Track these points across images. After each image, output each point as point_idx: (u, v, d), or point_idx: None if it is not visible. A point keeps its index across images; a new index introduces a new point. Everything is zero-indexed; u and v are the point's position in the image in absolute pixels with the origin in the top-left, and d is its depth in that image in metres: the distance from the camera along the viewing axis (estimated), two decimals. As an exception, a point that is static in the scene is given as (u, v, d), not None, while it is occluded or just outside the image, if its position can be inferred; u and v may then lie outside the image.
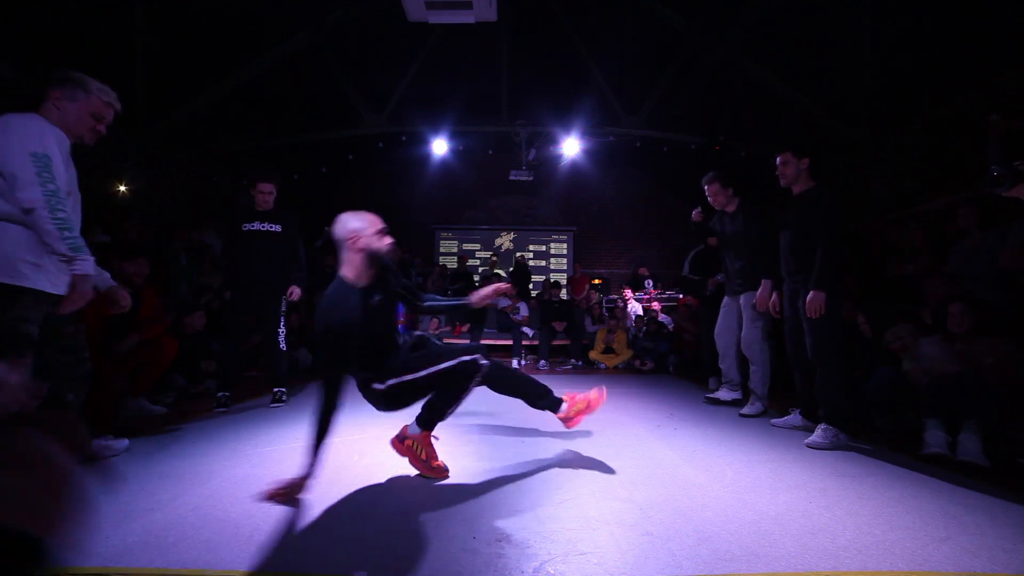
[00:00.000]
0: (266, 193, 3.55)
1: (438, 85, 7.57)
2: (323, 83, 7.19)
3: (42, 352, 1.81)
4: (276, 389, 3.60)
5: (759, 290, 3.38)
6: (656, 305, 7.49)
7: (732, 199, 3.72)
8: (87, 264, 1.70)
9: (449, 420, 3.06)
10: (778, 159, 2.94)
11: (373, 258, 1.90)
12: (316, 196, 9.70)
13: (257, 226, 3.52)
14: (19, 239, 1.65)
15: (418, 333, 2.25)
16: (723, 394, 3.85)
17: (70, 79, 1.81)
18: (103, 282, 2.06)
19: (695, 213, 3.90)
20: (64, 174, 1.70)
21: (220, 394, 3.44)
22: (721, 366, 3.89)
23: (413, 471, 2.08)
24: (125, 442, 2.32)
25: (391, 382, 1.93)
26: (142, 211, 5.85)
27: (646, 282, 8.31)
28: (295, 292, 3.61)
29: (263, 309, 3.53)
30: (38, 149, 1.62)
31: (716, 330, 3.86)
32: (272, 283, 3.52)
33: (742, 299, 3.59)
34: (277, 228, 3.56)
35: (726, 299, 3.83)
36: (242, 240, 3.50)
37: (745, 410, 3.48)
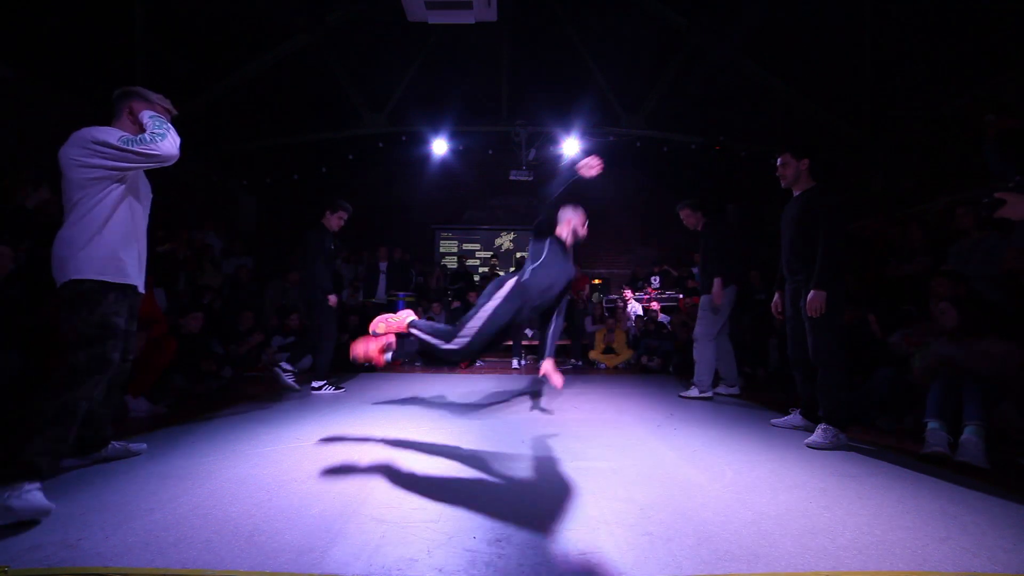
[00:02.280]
0: (344, 220, 4.40)
1: (438, 85, 7.57)
2: (323, 83, 7.18)
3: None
4: (320, 382, 4.36)
5: (713, 287, 4.04)
6: (655, 305, 7.50)
7: (700, 220, 4.38)
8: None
9: (451, 419, 3.09)
10: (778, 160, 2.95)
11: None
12: (316, 196, 9.71)
13: (332, 245, 4.37)
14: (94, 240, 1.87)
15: None
16: (721, 389, 4.37)
17: (136, 93, 2.08)
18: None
19: None
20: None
21: (316, 383, 4.29)
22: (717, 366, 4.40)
23: (413, 472, 2.10)
24: (143, 445, 2.36)
25: None
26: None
27: (652, 279, 8.32)
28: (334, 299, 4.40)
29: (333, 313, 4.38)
30: (113, 137, 1.87)
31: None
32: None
33: (702, 299, 4.21)
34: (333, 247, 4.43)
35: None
36: (333, 256, 4.34)
37: (689, 392, 4.13)
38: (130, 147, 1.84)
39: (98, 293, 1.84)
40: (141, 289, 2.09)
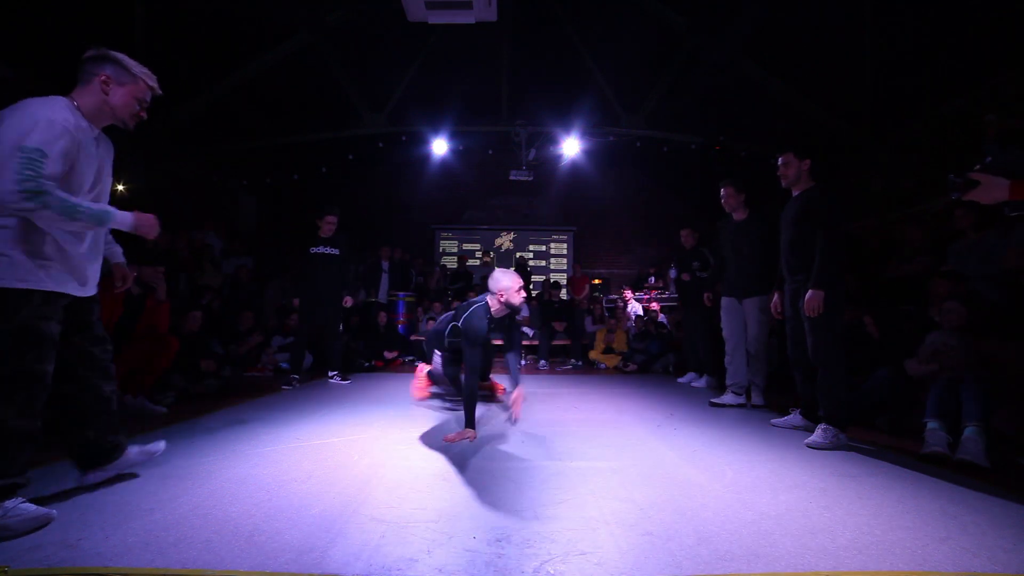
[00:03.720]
0: (332, 223, 4.51)
1: (438, 85, 7.57)
2: (323, 83, 7.18)
3: (75, 346, 1.79)
4: (331, 372, 4.71)
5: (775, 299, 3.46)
6: (656, 305, 7.50)
7: (742, 206, 3.91)
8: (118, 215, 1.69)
9: (451, 419, 3.09)
10: (779, 160, 2.94)
11: (509, 306, 2.81)
12: (316, 196, 9.71)
13: (321, 249, 4.46)
14: (11, 237, 1.55)
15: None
16: (728, 398, 3.86)
17: (117, 61, 1.73)
18: (113, 255, 2.04)
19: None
20: (59, 167, 1.56)
21: (292, 377, 4.47)
22: (728, 367, 3.97)
23: (413, 472, 2.10)
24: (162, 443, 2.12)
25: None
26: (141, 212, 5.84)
27: (649, 279, 8.33)
28: (348, 300, 4.64)
29: (325, 313, 4.55)
30: (31, 143, 1.50)
31: (725, 331, 3.99)
32: (332, 293, 4.53)
33: (749, 302, 3.76)
34: (335, 251, 4.51)
35: (727, 301, 3.96)
36: (309, 261, 4.43)
37: (754, 400, 3.76)
38: (24, 184, 1.45)
39: (18, 298, 1.56)
40: (87, 293, 1.77)
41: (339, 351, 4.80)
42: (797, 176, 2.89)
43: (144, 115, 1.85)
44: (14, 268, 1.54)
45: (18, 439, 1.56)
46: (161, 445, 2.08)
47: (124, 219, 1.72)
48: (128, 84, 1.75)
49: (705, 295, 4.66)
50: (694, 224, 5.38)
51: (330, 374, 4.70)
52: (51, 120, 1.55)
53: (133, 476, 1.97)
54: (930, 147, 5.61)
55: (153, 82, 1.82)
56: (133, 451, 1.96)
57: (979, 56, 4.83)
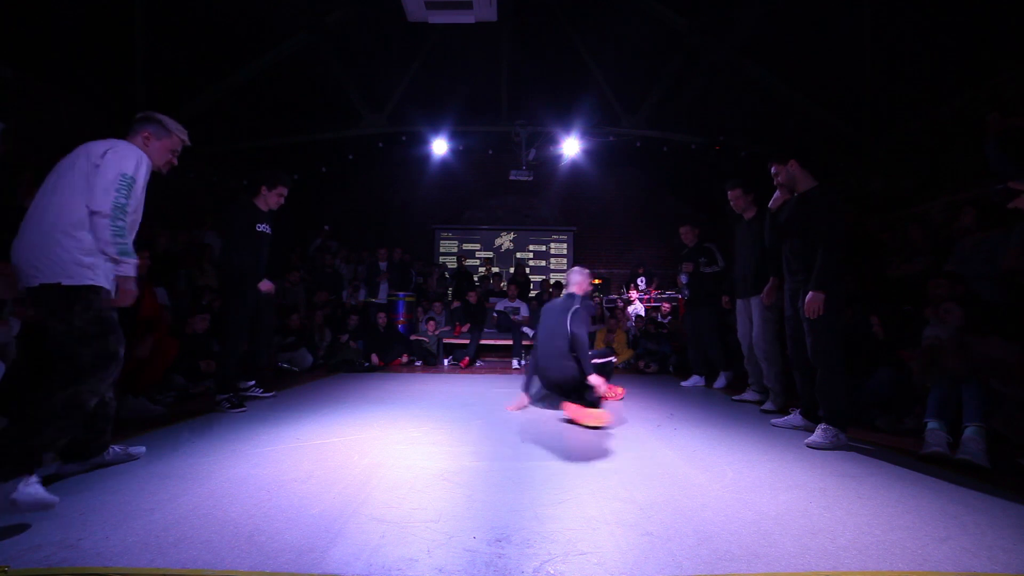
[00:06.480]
0: (282, 197, 3.71)
1: (438, 85, 7.56)
2: (323, 83, 7.18)
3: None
4: (249, 382, 3.69)
5: (766, 287, 3.54)
6: (666, 307, 7.49)
7: (751, 205, 3.93)
8: (130, 267, 1.95)
9: (451, 419, 3.09)
10: (772, 170, 2.97)
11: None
12: (316, 196, 9.71)
13: (263, 227, 3.61)
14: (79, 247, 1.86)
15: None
16: (749, 395, 4.02)
17: (158, 121, 2.14)
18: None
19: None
20: (139, 197, 2.00)
21: (248, 384, 3.59)
22: (747, 368, 4.07)
23: (413, 472, 2.09)
24: (142, 448, 2.29)
25: None
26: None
27: (638, 280, 8.33)
28: (271, 286, 3.63)
29: (261, 307, 3.58)
30: (128, 171, 1.91)
31: (739, 332, 4.07)
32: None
33: (755, 300, 3.74)
34: (269, 230, 3.69)
35: (739, 302, 4.02)
36: (252, 240, 3.52)
37: (766, 406, 3.65)
38: (115, 218, 1.87)
39: (94, 292, 1.85)
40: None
41: (266, 354, 3.83)
42: (790, 179, 2.90)
43: (176, 162, 2.24)
44: (91, 270, 1.85)
45: (84, 411, 1.80)
46: (142, 449, 2.27)
47: (126, 270, 1.97)
48: (164, 139, 2.15)
49: (723, 298, 4.68)
50: (693, 221, 5.37)
51: (245, 384, 3.69)
52: (141, 158, 1.99)
53: (133, 476, 1.97)
54: (930, 147, 5.60)
55: (185, 136, 2.24)
56: (114, 449, 2.15)
57: (979, 56, 4.82)
